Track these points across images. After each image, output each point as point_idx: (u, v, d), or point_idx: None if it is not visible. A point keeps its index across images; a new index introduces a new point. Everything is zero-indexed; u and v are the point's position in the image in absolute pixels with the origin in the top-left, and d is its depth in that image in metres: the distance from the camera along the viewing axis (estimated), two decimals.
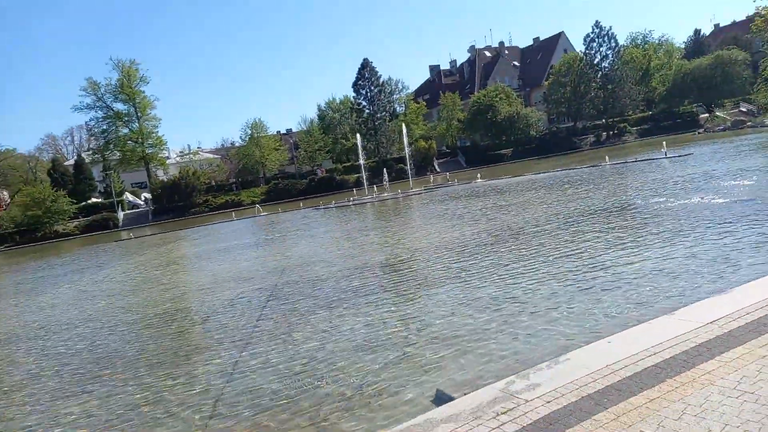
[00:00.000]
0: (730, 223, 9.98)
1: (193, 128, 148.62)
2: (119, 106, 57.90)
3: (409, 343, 6.48)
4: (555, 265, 9.06)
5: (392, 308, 8.16)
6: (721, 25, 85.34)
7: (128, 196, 57.09)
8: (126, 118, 57.99)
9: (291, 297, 9.96)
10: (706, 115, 55.92)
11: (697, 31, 79.10)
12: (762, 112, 45.92)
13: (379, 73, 60.03)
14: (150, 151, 58.57)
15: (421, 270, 10.69)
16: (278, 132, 77.40)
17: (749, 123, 43.94)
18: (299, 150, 67.05)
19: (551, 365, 4.36)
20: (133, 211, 55.06)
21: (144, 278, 16.59)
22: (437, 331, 6.64)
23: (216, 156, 79.08)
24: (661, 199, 14.30)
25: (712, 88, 56.61)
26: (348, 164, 59.55)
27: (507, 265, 9.68)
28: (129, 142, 58.03)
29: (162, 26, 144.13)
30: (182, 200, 51.58)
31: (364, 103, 60.32)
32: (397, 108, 67.43)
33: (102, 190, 59.54)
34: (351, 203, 33.49)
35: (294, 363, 6.39)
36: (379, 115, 59.16)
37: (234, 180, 62.97)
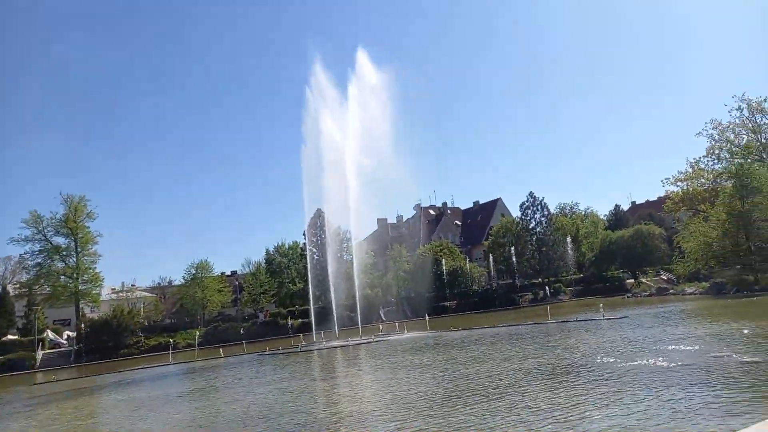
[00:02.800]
0: (679, 385, 10.66)
1: (129, 264, 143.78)
2: (59, 240, 56.07)
3: None
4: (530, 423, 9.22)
5: None
6: (637, 203, 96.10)
7: (49, 334, 52.71)
8: (64, 253, 55.77)
9: None
10: (632, 281, 60.27)
11: (617, 206, 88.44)
12: (681, 281, 50.14)
13: (330, 222, 62.29)
14: (83, 288, 55.60)
15: None
16: (222, 273, 76.36)
17: (671, 290, 47.65)
18: (243, 292, 65.86)
19: None
20: (55, 350, 50.53)
21: None
22: None
23: (152, 294, 76.15)
24: (611, 360, 15.03)
25: (635, 257, 61.93)
26: (293, 308, 58.68)
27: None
28: (62, 277, 55.29)
29: (109, 162, 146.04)
30: (112, 341, 48.21)
31: (314, 249, 61.50)
32: (346, 256, 68.91)
33: (20, 327, 54.83)
34: (299, 349, 32.53)
35: None
36: (329, 262, 60.05)
37: (170, 320, 60.08)
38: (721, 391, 9.92)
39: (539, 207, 67.80)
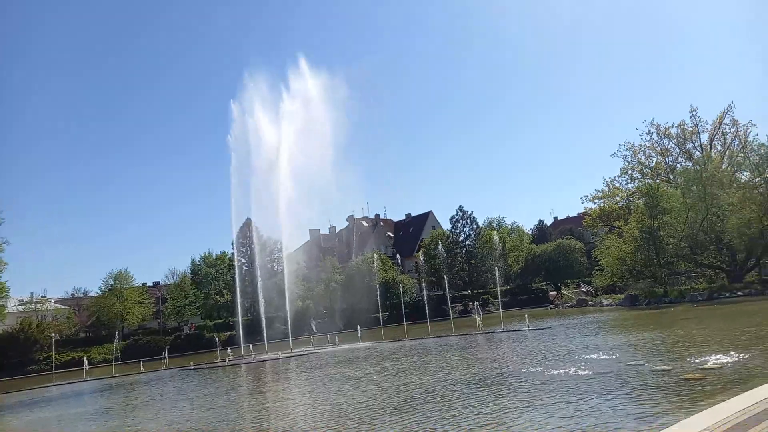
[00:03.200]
0: (597, 392, 11.24)
1: (39, 274, 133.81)
2: None
3: None
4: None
5: None
6: (559, 218, 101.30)
7: None
8: None
9: None
10: (555, 292, 63.21)
11: (540, 221, 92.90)
12: (599, 293, 53.17)
13: (260, 233, 60.93)
14: None
15: None
16: (144, 284, 72.67)
17: (590, 302, 50.41)
18: (166, 304, 62.94)
19: None
20: None
21: None
22: None
23: (65, 306, 71.19)
24: (535, 369, 15.60)
25: (558, 270, 65.10)
26: (220, 321, 56.76)
27: None
28: None
29: (16, 163, 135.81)
30: (19, 356, 44.48)
31: (243, 260, 59.93)
32: (277, 267, 67.64)
33: None
34: (227, 363, 31.41)
35: None
36: (258, 273, 58.69)
37: (86, 334, 56.33)
38: (635, 397, 10.55)
39: (468, 220, 69.84)
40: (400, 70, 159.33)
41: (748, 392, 7.62)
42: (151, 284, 78.79)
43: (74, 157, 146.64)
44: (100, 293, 62.17)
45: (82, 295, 77.71)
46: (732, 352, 13.98)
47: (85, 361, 38.98)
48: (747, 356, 13.40)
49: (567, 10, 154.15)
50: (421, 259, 68.58)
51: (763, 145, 48.34)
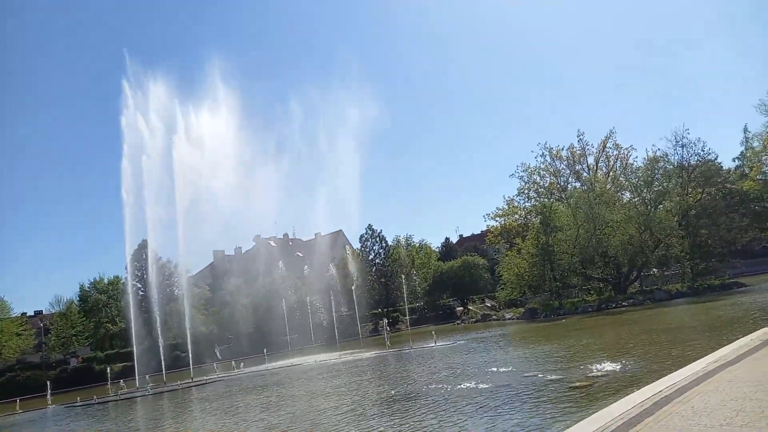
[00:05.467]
0: (494, 405, 11.64)
1: None
2: None
3: None
4: None
5: None
6: (464, 235, 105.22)
7: None
8: None
9: None
10: (461, 308, 65.26)
11: (447, 239, 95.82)
12: (502, 308, 55.60)
13: (158, 255, 57.55)
14: None
15: None
16: (24, 314, 65.79)
17: (494, 316, 52.55)
18: (50, 335, 57.29)
19: None
20: None
21: None
22: None
23: None
24: (440, 385, 15.88)
25: (464, 286, 67.30)
26: (112, 351, 52.58)
27: None
28: None
29: None
30: None
31: (138, 284, 56.26)
32: (176, 291, 64.09)
33: None
34: (119, 397, 28.99)
35: None
36: (156, 298, 55.27)
37: None
38: (530, 407, 11.04)
39: (378, 239, 70.61)
40: (309, 82, 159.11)
41: (626, 397, 8.20)
42: (32, 314, 71.53)
43: None
44: None
45: None
46: (617, 359, 15.10)
47: None
48: (629, 363, 14.51)
49: (475, 31, 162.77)
50: (333, 277, 68.14)
51: (641, 168, 53.72)
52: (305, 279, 78.38)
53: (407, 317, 66.32)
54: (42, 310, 74.00)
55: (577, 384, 12.51)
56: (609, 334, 25.62)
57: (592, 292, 51.05)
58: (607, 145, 59.68)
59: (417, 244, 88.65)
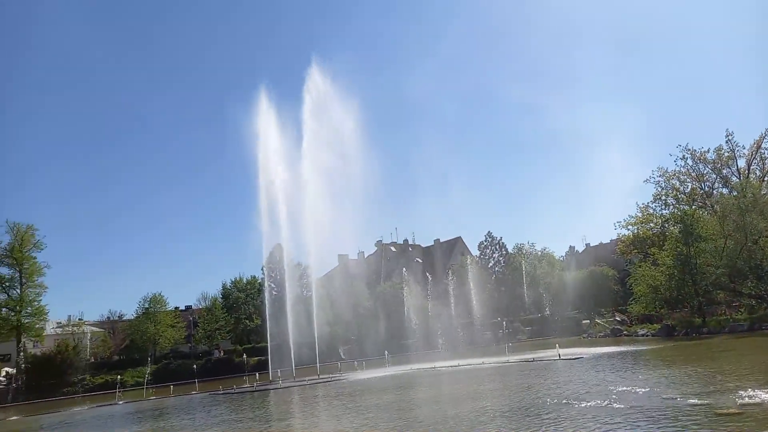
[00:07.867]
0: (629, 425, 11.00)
1: (77, 297, 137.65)
2: (3, 270, 53.48)
3: None
4: None
5: None
6: (591, 244, 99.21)
7: None
8: (7, 284, 53.16)
9: None
10: (587, 321, 61.63)
11: (572, 248, 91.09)
12: (634, 323, 51.66)
13: (290, 257, 61.56)
14: (26, 321, 52.76)
15: None
16: (176, 308, 74.03)
17: (625, 331, 49.01)
18: (197, 328, 63.87)
19: None
20: None
21: None
22: None
23: (101, 329, 72.95)
24: (566, 401, 15.29)
25: (590, 298, 63.48)
26: (249, 346, 57.24)
27: None
28: (4, 309, 52.46)
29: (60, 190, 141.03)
30: (55, 378, 45.68)
31: (273, 284, 60.55)
32: (306, 293, 68.06)
33: None
34: (254, 389, 31.66)
35: None
36: (288, 298, 59.23)
37: (119, 357, 57.52)
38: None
39: (497, 247, 69.19)
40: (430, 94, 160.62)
41: None
42: (183, 308, 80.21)
43: (102, 180, 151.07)
44: (134, 316, 63.59)
45: (117, 318, 79.47)
46: None
47: (119, 381, 39.74)
48: None
49: (610, 39, 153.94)
50: (452, 284, 68.09)
51: None
52: (424, 284, 79.22)
53: (528, 327, 64.18)
54: (191, 305, 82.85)
55: (726, 411, 11.41)
56: (763, 357, 22.79)
57: (742, 309, 45.56)
58: (762, 146, 53.11)
59: (539, 252, 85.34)
